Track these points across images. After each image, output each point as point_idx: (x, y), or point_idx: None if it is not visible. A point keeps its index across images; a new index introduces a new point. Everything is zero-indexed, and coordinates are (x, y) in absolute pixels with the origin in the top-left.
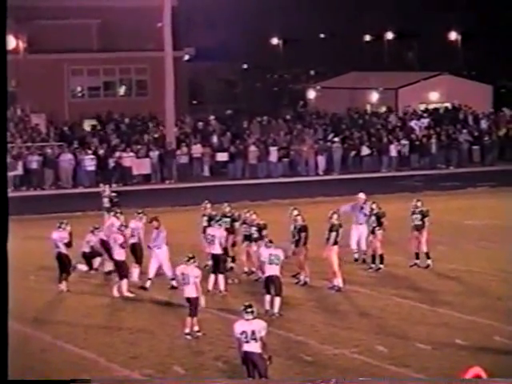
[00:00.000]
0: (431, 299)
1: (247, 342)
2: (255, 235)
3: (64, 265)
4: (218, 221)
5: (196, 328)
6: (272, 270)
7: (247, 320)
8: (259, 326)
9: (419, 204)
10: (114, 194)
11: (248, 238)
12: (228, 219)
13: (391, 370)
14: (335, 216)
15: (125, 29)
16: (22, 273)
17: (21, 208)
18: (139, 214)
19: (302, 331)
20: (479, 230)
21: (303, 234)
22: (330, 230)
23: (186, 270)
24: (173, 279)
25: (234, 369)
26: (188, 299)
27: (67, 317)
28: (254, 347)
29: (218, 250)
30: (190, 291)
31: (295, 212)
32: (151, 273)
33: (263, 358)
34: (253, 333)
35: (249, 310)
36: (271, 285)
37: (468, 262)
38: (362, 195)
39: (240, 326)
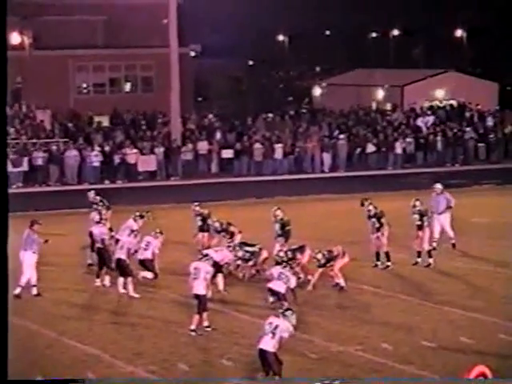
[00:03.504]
0: (436, 297)
1: (266, 334)
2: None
3: (103, 260)
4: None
5: (206, 323)
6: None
7: (277, 316)
8: (284, 326)
9: (417, 203)
10: (97, 198)
11: None
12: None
13: (395, 368)
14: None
15: (130, 25)
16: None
17: (26, 204)
18: (157, 233)
19: (307, 328)
20: (485, 227)
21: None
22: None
23: (199, 265)
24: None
25: (238, 366)
26: (196, 296)
27: (72, 313)
28: (268, 343)
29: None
30: (199, 287)
31: (278, 211)
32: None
33: (278, 358)
34: (275, 327)
35: (284, 309)
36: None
37: (473, 260)
38: (438, 185)
39: (271, 318)
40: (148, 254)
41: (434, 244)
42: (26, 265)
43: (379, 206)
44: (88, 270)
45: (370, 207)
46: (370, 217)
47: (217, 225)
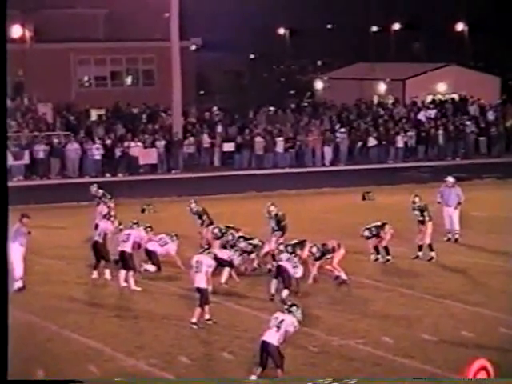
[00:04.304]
0: (436, 291)
1: (270, 328)
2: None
3: (100, 254)
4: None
5: (207, 316)
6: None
7: (283, 312)
8: (289, 320)
9: (417, 199)
10: (100, 192)
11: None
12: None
13: (397, 361)
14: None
15: (132, 18)
16: (27, 263)
17: (27, 197)
18: (173, 236)
19: (308, 322)
20: (485, 221)
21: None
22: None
23: (201, 258)
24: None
25: (239, 359)
26: (198, 289)
27: (73, 306)
28: (272, 336)
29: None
30: (201, 281)
31: (272, 207)
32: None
33: (280, 352)
34: (281, 321)
35: (289, 304)
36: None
37: (474, 254)
38: (450, 178)
39: (277, 313)
40: (159, 249)
41: (450, 235)
42: (16, 258)
43: (380, 199)
44: (90, 263)
45: (366, 233)
46: (368, 238)
47: (216, 231)
